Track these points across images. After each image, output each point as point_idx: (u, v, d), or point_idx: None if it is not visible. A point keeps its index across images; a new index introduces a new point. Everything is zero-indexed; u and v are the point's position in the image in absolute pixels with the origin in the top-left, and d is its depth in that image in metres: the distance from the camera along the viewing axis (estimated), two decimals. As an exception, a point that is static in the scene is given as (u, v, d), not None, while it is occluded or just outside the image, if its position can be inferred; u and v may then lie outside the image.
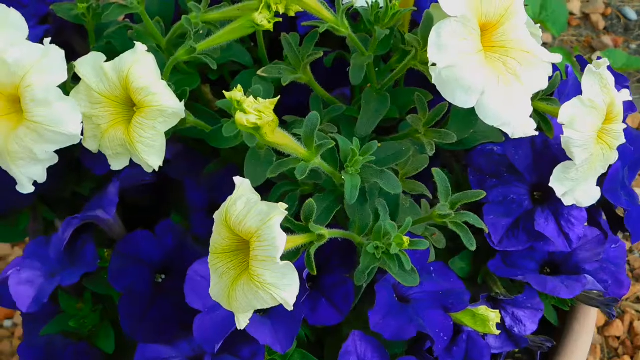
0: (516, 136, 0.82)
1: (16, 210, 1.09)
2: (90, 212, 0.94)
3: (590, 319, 1.14)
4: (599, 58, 1.14)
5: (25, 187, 0.86)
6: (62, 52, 0.83)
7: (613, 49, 2.03)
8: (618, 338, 1.56)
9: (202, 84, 1.06)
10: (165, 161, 0.86)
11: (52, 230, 1.12)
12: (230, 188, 0.85)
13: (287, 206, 0.70)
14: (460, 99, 0.78)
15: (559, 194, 0.90)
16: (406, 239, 0.77)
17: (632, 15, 2.10)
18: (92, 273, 0.97)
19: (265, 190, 0.90)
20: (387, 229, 0.78)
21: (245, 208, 0.71)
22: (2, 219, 1.13)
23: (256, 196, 0.72)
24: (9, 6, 0.93)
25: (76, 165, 1.06)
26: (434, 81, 0.78)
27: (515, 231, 0.98)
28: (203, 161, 1.03)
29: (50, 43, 0.85)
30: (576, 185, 0.90)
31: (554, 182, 0.89)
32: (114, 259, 0.94)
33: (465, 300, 0.94)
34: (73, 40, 1.14)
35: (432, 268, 0.94)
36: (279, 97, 0.75)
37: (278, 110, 0.91)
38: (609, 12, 2.11)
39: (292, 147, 0.79)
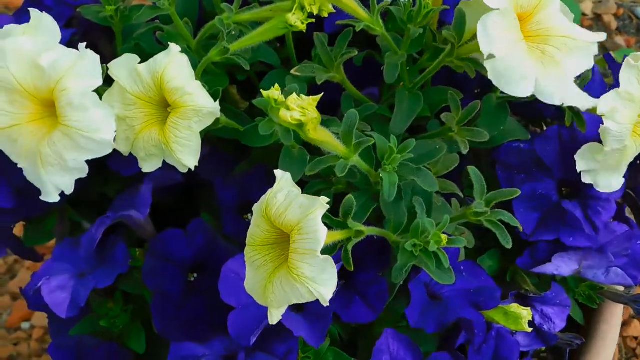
0: (587, 107, 0.85)
1: (44, 213, 1.09)
2: (123, 211, 0.94)
3: (616, 318, 1.14)
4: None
5: (51, 196, 0.84)
6: (97, 57, 0.83)
7: (626, 49, 2.03)
8: (636, 338, 1.56)
9: (229, 85, 1.07)
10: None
11: (78, 232, 1.12)
12: (260, 187, 0.85)
13: (328, 200, 0.70)
14: (519, 89, 0.80)
15: (579, 168, 0.91)
16: (444, 236, 0.77)
17: (644, 15, 2.10)
18: (123, 273, 0.97)
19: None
20: (425, 227, 0.78)
21: (286, 201, 0.71)
22: (30, 222, 1.13)
23: (297, 189, 0.72)
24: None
25: (102, 166, 1.06)
26: (489, 75, 0.79)
27: (546, 222, 0.99)
28: (230, 161, 1.04)
29: (76, 45, 0.85)
30: (602, 169, 0.91)
31: (579, 157, 0.90)
32: (148, 258, 0.94)
33: (496, 298, 0.94)
34: (99, 42, 1.15)
35: (462, 267, 0.95)
36: (322, 94, 0.75)
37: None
38: (621, 12, 2.11)
39: (332, 145, 0.79)
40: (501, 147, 1.01)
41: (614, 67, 1.14)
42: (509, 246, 0.83)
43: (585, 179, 0.91)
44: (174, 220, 1.06)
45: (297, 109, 0.73)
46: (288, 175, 0.73)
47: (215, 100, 0.84)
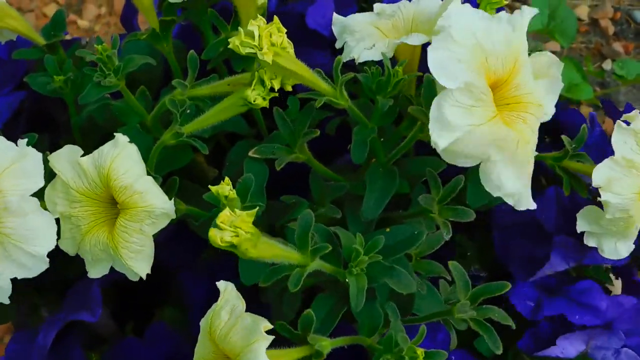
0: (520, 208, 0.72)
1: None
2: (74, 314, 0.84)
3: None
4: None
5: None
6: (39, 155, 0.74)
7: (627, 59, 1.93)
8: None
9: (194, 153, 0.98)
10: (156, 244, 0.78)
11: (36, 316, 1.04)
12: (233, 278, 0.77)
13: (271, 327, 0.63)
14: (465, 165, 0.69)
15: (580, 228, 0.82)
16: (420, 351, 0.68)
17: (643, 19, 2.01)
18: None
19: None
20: (397, 341, 0.68)
21: (230, 320, 0.65)
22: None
23: (242, 304, 0.65)
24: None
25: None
26: (439, 153, 0.68)
27: (547, 295, 0.91)
28: (198, 242, 0.95)
29: (27, 111, 0.76)
30: (606, 234, 0.82)
31: (580, 217, 0.82)
32: (103, 372, 0.85)
33: (495, 393, 0.85)
34: (52, 108, 1.07)
35: (453, 358, 0.85)
36: (257, 208, 0.67)
37: (271, 182, 0.82)
38: (619, 16, 2.02)
39: (282, 256, 0.69)
40: (497, 210, 0.92)
41: (613, 112, 1.05)
42: (500, 352, 0.73)
43: (589, 241, 0.83)
44: (140, 301, 0.98)
45: (229, 229, 0.63)
46: (231, 286, 0.66)
47: (170, 198, 0.75)
